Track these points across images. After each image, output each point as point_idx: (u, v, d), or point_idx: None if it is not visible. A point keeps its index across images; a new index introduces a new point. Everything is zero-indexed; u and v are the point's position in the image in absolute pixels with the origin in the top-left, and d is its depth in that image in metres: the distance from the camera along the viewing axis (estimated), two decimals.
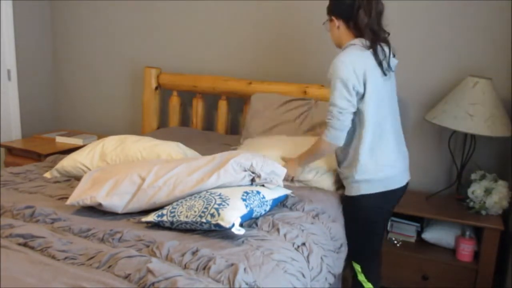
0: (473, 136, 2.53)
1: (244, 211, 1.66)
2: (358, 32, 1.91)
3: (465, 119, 2.37)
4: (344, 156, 2.01)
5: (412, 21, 2.70)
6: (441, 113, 2.46)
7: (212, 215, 1.60)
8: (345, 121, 1.89)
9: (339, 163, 2.07)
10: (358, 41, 1.91)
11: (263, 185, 1.86)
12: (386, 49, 1.95)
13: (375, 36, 1.89)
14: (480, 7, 2.56)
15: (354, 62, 1.86)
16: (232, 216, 1.59)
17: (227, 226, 1.57)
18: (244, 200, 1.69)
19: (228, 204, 1.64)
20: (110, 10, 3.52)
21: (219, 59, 3.23)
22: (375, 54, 1.89)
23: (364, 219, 2.04)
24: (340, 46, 1.99)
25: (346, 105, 1.87)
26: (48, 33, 3.75)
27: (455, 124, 2.39)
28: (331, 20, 1.98)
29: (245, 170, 1.83)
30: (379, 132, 1.94)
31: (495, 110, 2.37)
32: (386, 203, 2.04)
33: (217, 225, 1.59)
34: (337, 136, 1.92)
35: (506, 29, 2.53)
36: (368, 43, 1.89)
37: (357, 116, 1.92)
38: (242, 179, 1.82)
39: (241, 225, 1.64)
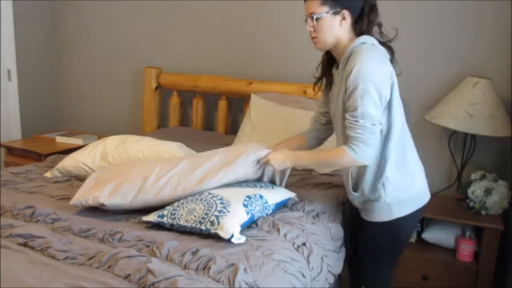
0: (473, 136, 2.53)
1: (244, 218, 1.65)
2: (364, 30, 1.68)
3: (465, 119, 2.37)
4: (363, 177, 1.73)
5: (412, 21, 2.69)
6: (441, 113, 2.46)
7: (212, 223, 1.60)
8: (378, 136, 1.62)
9: (356, 186, 1.78)
10: (370, 39, 1.67)
11: (272, 182, 1.83)
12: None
13: (384, 35, 1.73)
14: (480, 7, 2.56)
15: (385, 63, 1.64)
16: (231, 226, 1.58)
17: (226, 237, 1.57)
18: (245, 206, 1.68)
19: (228, 212, 1.62)
20: (110, 10, 3.52)
21: (219, 59, 3.23)
22: (391, 51, 1.72)
23: (395, 245, 1.84)
24: (331, 45, 1.72)
25: (379, 117, 1.60)
26: (48, 33, 3.74)
27: (455, 124, 2.39)
28: (336, 13, 1.66)
29: (254, 165, 1.80)
30: (402, 141, 1.73)
31: (495, 110, 2.37)
32: (418, 221, 1.87)
33: (216, 234, 1.59)
34: (368, 154, 1.62)
35: (506, 29, 2.53)
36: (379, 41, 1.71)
37: (383, 127, 1.68)
38: (253, 173, 1.79)
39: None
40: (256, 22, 3.08)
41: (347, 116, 1.62)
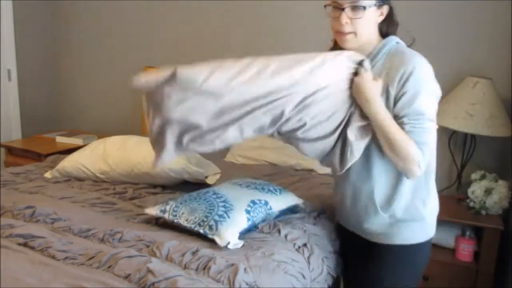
0: (473, 136, 2.53)
1: (244, 225, 1.64)
2: (390, 30, 1.53)
3: (465, 119, 2.37)
4: (396, 195, 1.49)
5: (412, 21, 2.67)
6: (441, 113, 2.45)
7: (210, 228, 1.59)
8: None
9: (386, 206, 1.50)
10: (400, 40, 1.55)
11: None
12: None
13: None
14: (480, 7, 2.55)
15: None
16: (229, 234, 1.57)
17: (222, 244, 1.55)
18: (247, 212, 1.66)
19: (228, 217, 1.61)
20: (110, 10, 3.52)
21: (219, 59, 3.21)
22: None
23: (420, 270, 1.66)
24: (363, 43, 1.46)
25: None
26: (48, 33, 3.74)
27: (455, 124, 2.39)
28: (380, 6, 1.45)
29: (354, 64, 1.42)
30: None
31: (495, 110, 2.37)
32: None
33: (213, 240, 1.58)
34: (426, 162, 1.42)
35: (506, 29, 2.53)
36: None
37: None
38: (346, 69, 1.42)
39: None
40: (256, 22, 3.08)
41: (405, 120, 1.39)
